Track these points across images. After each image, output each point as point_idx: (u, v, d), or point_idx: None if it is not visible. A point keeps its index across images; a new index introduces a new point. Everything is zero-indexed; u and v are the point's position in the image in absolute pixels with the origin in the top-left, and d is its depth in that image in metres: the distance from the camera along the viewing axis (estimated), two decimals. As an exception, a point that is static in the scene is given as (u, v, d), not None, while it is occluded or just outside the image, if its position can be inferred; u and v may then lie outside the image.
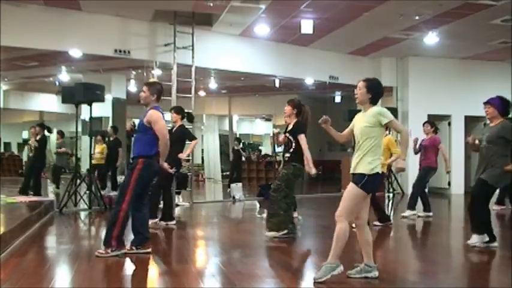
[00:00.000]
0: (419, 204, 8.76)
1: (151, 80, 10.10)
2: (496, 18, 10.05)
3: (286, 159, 6.51)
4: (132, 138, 7.11)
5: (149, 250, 5.47)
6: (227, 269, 4.93)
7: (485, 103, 6.05)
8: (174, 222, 7.78)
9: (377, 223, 7.53)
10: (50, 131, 11.50)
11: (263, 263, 5.40)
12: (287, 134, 6.56)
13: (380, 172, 4.34)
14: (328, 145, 20.37)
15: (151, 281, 4.74)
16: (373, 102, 4.42)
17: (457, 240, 7.33)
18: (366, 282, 4.35)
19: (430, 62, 13.88)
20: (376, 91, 4.43)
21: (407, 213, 8.67)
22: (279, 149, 21.95)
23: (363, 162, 4.29)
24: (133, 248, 5.42)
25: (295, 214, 7.45)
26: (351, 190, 4.32)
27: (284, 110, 6.67)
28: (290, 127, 6.58)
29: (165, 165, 5.66)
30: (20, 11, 9.55)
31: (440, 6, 9.54)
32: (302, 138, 6.41)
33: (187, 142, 8.02)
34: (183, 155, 7.71)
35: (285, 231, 6.47)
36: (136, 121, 6.11)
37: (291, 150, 6.46)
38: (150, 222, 6.38)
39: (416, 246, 6.96)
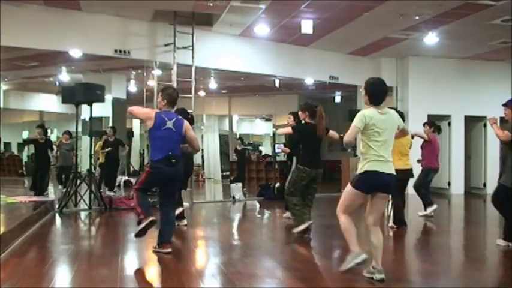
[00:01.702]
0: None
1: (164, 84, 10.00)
2: (496, 18, 10.05)
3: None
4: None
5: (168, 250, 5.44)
6: (227, 269, 4.93)
7: (504, 105, 5.95)
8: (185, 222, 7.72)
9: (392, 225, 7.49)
10: (45, 133, 11.69)
11: (263, 263, 5.40)
12: None
13: (369, 170, 4.24)
14: (328, 145, 20.35)
15: (151, 281, 4.74)
16: (373, 102, 4.35)
17: (457, 240, 7.33)
18: (368, 282, 4.34)
19: (430, 62, 13.87)
20: (371, 90, 4.37)
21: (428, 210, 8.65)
22: (279, 150, 22.02)
23: (359, 165, 4.42)
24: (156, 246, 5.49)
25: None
26: (346, 188, 4.52)
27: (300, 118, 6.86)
28: None
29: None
30: (20, 11, 9.55)
31: (440, 6, 9.53)
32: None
33: None
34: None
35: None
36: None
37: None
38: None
39: (416, 246, 6.95)
